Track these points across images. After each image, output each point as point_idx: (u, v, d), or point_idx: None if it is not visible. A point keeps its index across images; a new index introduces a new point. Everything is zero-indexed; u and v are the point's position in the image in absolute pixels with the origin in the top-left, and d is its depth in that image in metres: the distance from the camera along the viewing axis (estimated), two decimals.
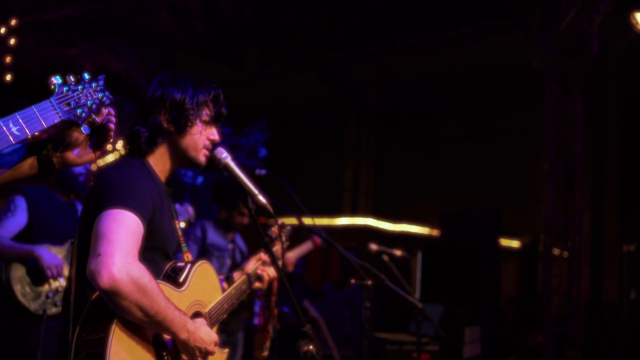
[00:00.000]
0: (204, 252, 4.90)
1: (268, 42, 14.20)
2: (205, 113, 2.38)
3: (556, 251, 8.17)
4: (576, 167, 8.14)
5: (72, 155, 1.97)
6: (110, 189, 2.10)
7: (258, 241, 2.51)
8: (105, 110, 1.93)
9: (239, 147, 8.91)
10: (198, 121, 2.35)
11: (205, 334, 2.22)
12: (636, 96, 9.93)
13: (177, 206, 4.76)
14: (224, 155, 2.42)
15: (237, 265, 4.94)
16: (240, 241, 5.19)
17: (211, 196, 5.24)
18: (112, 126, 1.97)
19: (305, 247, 5.15)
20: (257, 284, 2.75)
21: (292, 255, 5.00)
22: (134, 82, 8.50)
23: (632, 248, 10.87)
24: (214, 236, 4.97)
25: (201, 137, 2.37)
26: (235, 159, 2.52)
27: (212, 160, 2.42)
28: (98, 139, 2.00)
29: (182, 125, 2.32)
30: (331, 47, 12.79)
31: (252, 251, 2.84)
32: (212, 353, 2.26)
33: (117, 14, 8.34)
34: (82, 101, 1.86)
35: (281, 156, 13.23)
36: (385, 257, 4.78)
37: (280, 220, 2.86)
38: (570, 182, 8.23)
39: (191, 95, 2.34)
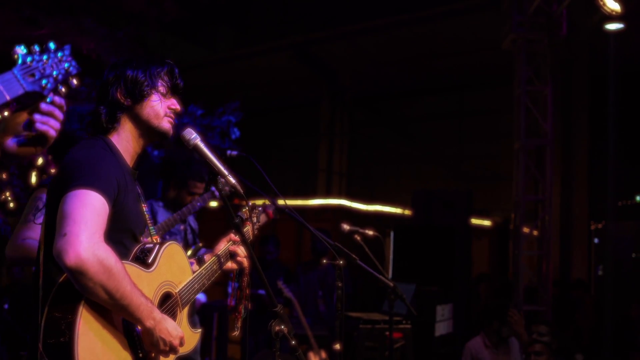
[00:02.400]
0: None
1: (241, 22, 14.11)
2: (161, 84, 2.41)
3: (526, 229, 8.30)
4: (546, 147, 8.25)
5: (11, 144, 1.91)
6: (75, 170, 2.12)
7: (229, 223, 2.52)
8: (50, 107, 1.86)
9: (212, 128, 8.87)
10: (154, 92, 2.38)
11: (172, 327, 2.22)
12: (604, 76, 10.04)
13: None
14: (193, 136, 2.42)
15: (188, 245, 4.80)
16: (191, 219, 5.00)
17: (160, 173, 4.99)
18: (57, 124, 1.92)
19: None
20: (228, 265, 2.76)
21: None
22: (106, 62, 8.40)
23: (600, 226, 11.08)
24: (164, 218, 4.66)
25: (161, 105, 2.40)
26: (208, 140, 2.53)
27: (181, 141, 2.43)
28: (39, 136, 1.91)
29: (137, 95, 2.35)
30: (304, 27, 12.75)
31: (222, 233, 2.84)
32: (175, 348, 2.24)
33: None
34: (48, 72, 1.80)
35: (255, 137, 13.20)
36: (358, 237, 4.79)
37: (252, 202, 2.87)
38: (540, 162, 8.35)
39: (144, 69, 2.38)
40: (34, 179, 8.80)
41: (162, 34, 11.78)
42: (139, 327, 2.17)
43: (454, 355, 7.09)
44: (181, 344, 2.27)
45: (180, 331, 2.27)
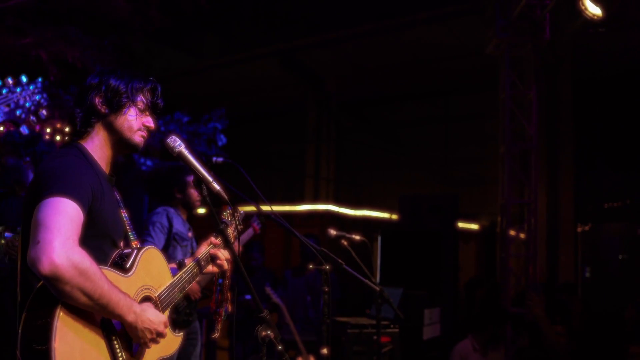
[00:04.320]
0: (169, 242, 4.76)
1: (227, 30, 14.12)
2: (140, 99, 2.45)
3: (513, 232, 8.34)
4: (531, 150, 8.30)
5: None
6: (48, 179, 2.13)
7: (212, 228, 2.54)
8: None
9: (198, 135, 8.86)
10: (132, 106, 2.42)
11: (153, 315, 2.25)
12: (588, 79, 10.16)
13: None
14: (177, 143, 2.44)
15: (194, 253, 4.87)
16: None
17: (154, 190, 5.14)
18: None
19: (246, 235, 5.33)
20: (209, 268, 2.77)
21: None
22: (91, 71, 8.37)
23: (587, 228, 11.15)
24: (178, 225, 4.85)
25: (136, 120, 2.43)
26: (195, 147, 2.57)
27: (166, 148, 2.45)
28: None
29: (115, 106, 2.39)
30: (290, 34, 12.77)
31: (203, 238, 2.87)
32: (162, 334, 2.28)
33: (71, 2, 8.21)
34: (21, 103, 1.88)
35: (242, 144, 13.20)
36: (345, 242, 4.81)
37: (233, 206, 2.90)
38: (526, 165, 8.39)
39: (127, 81, 2.42)
40: None
41: (148, 42, 11.76)
42: (122, 323, 2.18)
43: (442, 359, 7.11)
44: (165, 326, 2.30)
45: (162, 317, 2.30)
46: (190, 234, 4.96)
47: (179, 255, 4.79)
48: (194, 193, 4.90)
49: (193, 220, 5.14)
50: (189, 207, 4.99)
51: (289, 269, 8.00)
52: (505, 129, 8.25)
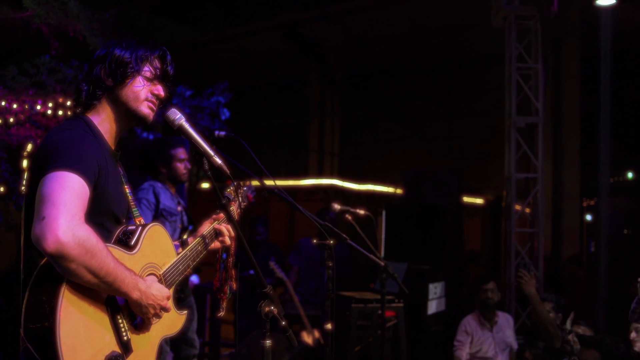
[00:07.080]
0: (156, 218, 4.76)
1: (230, 2, 14.00)
2: (148, 69, 2.39)
3: (518, 207, 8.29)
4: (537, 124, 8.23)
5: None
6: (54, 152, 2.08)
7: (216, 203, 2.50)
8: None
9: (202, 109, 8.78)
10: (139, 76, 2.37)
11: (156, 290, 2.23)
12: (596, 52, 10.04)
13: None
14: (178, 116, 2.38)
15: (185, 229, 4.88)
16: (182, 200, 5.10)
17: (141, 165, 5.13)
18: None
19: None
20: (213, 244, 2.74)
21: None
22: (93, 45, 8.30)
23: (592, 202, 11.11)
24: (166, 200, 4.83)
25: (143, 90, 2.38)
26: (198, 121, 2.52)
27: (166, 121, 2.39)
28: None
29: (119, 77, 2.33)
30: (293, 6, 12.65)
31: (208, 214, 2.82)
32: (166, 308, 2.27)
33: None
34: None
35: (246, 118, 13.13)
36: (349, 217, 4.79)
37: (237, 181, 2.86)
38: (532, 139, 8.32)
39: (132, 51, 2.36)
40: (25, 163, 8.74)
41: (151, 16, 11.65)
42: (127, 300, 2.17)
43: (447, 333, 7.12)
44: (168, 299, 2.30)
45: (165, 291, 2.28)
46: (179, 208, 4.93)
47: (168, 230, 4.76)
48: (179, 167, 4.90)
49: (200, 195, 5.15)
50: (175, 181, 4.96)
51: (310, 236, 7.86)
52: (511, 103, 8.17)
